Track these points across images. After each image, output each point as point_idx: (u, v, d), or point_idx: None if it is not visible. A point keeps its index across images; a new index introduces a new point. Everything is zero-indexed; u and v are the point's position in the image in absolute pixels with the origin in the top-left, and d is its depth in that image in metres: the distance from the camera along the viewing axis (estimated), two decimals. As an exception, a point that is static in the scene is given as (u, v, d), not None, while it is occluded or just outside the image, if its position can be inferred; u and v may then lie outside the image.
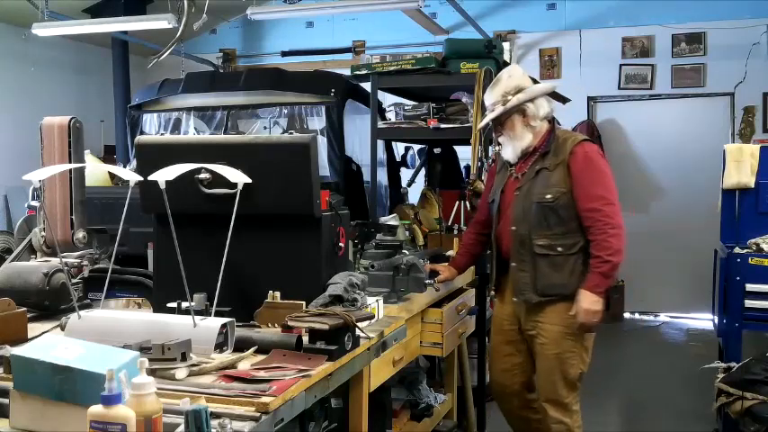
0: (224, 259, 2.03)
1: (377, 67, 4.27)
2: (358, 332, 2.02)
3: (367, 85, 4.58)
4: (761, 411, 3.31)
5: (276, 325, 2.10)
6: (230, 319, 1.94)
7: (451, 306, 3.22)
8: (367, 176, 4.93)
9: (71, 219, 2.58)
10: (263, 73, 6.00)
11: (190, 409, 1.32)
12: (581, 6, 7.90)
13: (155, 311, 2.29)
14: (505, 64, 4.31)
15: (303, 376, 1.73)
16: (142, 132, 5.58)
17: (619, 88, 7.84)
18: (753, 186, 4.02)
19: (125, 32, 7.95)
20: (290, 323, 1.96)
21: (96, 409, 1.28)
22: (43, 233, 2.64)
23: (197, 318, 1.90)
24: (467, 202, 4.38)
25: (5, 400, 1.51)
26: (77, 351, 1.47)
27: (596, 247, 2.92)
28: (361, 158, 5.26)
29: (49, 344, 1.51)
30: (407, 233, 4.03)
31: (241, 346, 1.92)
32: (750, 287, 3.77)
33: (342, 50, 8.62)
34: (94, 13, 7.87)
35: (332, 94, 5.10)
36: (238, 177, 2.10)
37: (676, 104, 7.77)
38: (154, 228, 2.37)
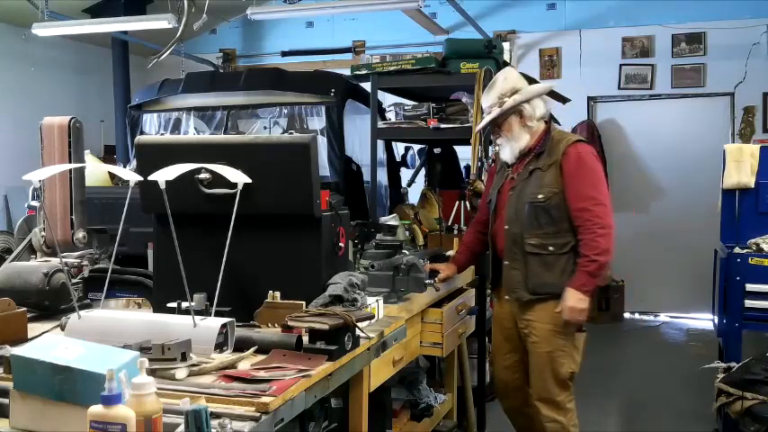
0: (224, 259, 2.03)
1: (377, 67, 4.27)
2: (358, 332, 2.02)
3: (367, 85, 4.58)
4: (761, 411, 3.31)
5: (276, 325, 2.10)
6: (230, 319, 1.94)
7: (451, 306, 3.22)
8: (367, 176, 4.93)
9: (71, 219, 2.58)
10: (263, 73, 6.00)
11: (190, 409, 1.32)
12: (581, 6, 7.90)
13: (155, 311, 2.29)
14: (505, 64, 4.31)
15: (303, 376, 1.73)
16: (142, 132, 5.58)
17: (619, 88, 7.84)
18: (753, 186, 4.02)
19: (125, 32, 7.95)
20: (290, 323, 1.96)
21: (96, 409, 1.28)
22: (43, 233, 2.64)
23: (197, 318, 1.90)
24: (467, 202, 4.39)
25: (5, 400, 1.51)
26: (77, 351, 1.47)
27: (584, 246, 2.97)
28: (361, 158, 5.26)
29: (49, 344, 1.51)
30: (407, 233, 4.03)
31: (241, 346, 1.92)
32: (750, 287, 3.77)
33: (342, 50, 8.62)
34: (94, 13, 7.87)
35: (332, 94, 5.10)
36: (238, 177, 2.10)
37: (676, 104, 7.77)
38: (154, 228, 2.37)
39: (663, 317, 7.72)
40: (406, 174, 6.06)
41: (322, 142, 4.89)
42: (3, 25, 7.63)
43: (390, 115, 4.61)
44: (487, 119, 3.15)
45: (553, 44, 8.06)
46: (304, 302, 2.14)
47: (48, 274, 2.36)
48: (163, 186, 1.95)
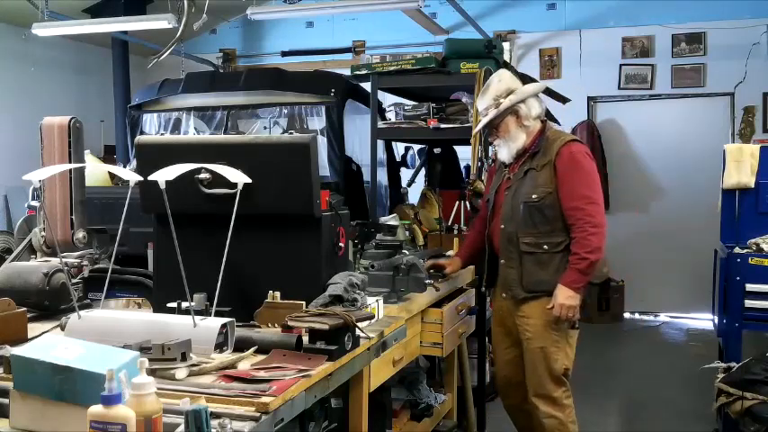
0: (224, 259, 2.03)
1: (377, 67, 4.27)
2: (358, 332, 2.02)
3: (367, 85, 4.58)
4: (761, 411, 3.31)
5: (276, 325, 2.10)
6: (230, 319, 1.94)
7: (451, 306, 3.23)
8: (367, 176, 4.92)
9: (71, 219, 2.57)
10: (263, 73, 6.00)
11: (190, 409, 1.32)
12: (581, 6, 7.90)
13: (155, 311, 2.29)
14: (506, 64, 4.32)
15: (303, 376, 1.73)
16: (142, 132, 5.58)
17: (619, 88, 7.84)
18: (753, 186, 4.02)
19: (125, 32, 7.95)
20: (290, 323, 1.96)
21: (96, 409, 1.28)
22: (43, 233, 2.64)
23: (197, 318, 1.90)
24: (467, 202, 4.39)
25: (5, 400, 1.51)
26: (77, 351, 1.47)
27: (576, 244, 3.03)
28: (361, 158, 5.26)
29: (49, 344, 1.51)
30: (407, 233, 4.03)
31: (241, 346, 1.92)
32: (750, 287, 3.77)
33: (342, 50, 8.62)
34: (94, 13, 7.87)
35: (332, 94, 5.10)
36: (238, 177, 2.10)
37: (676, 104, 7.77)
38: (154, 228, 2.37)
39: (663, 317, 7.72)
40: (406, 174, 6.06)
41: (322, 142, 4.89)
42: (3, 25, 7.63)
43: (390, 115, 4.61)
44: (484, 120, 3.20)
45: (553, 44, 8.06)
46: (304, 302, 2.14)
47: (48, 274, 2.36)
48: (163, 186, 1.95)
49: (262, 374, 1.70)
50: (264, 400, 1.56)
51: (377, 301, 2.41)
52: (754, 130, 7.44)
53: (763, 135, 7.34)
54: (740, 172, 4.02)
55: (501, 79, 3.20)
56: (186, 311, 1.99)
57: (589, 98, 7.94)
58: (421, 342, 3.05)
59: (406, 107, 4.37)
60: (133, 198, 2.12)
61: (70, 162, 2.54)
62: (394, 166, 5.85)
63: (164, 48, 5.57)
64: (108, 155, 8.08)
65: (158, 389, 1.35)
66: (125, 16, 7.16)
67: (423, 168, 5.70)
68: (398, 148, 5.91)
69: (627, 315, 7.72)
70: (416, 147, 5.72)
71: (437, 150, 5.31)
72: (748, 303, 3.78)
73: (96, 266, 2.64)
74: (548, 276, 3.08)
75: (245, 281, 2.22)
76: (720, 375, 3.60)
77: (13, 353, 1.51)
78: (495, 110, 3.13)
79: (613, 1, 7.78)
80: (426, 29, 7.61)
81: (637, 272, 7.61)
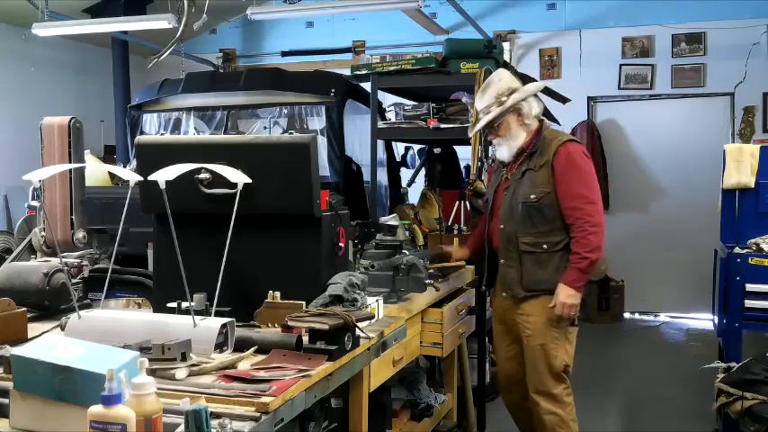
0: (224, 259, 2.03)
1: (377, 67, 4.27)
2: (358, 332, 2.02)
3: (367, 85, 4.58)
4: (761, 411, 3.31)
5: (276, 325, 2.10)
6: (230, 319, 1.94)
7: (451, 306, 3.23)
8: (367, 176, 4.92)
9: (71, 219, 2.58)
10: (263, 73, 6.00)
11: (190, 409, 1.32)
12: (581, 6, 7.90)
13: (155, 311, 2.29)
14: (505, 64, 4.31)
15: (303, 376, 1.73)
16: (142, 132, 5.58)
17: (619, 88, 7.84)
18: (753, 186, 4.02)
19: (125, 32, 7.95)
20: (290, 323, 1.96)
21: (96, 409, 1.28)
22: (43, 233, 2.64)
23: (197, 318, 1.90)
24: (467, 202, 4.39)
25: (5, 400, 1.51)
26: (77, 351, 1.47)
27: (576, 244, 3.07)
28: (361, 158, 5.26)
29: (49, 344, 1.51)
30: (407, 233, 4.03)
31: (241, 346, 1.92)
32: (750, 287, 3.77)
33: (342, 50, 8.62)
34: (94, 13, 7.87)
35: (332, 94, 5.10)
36: (238, 177, 2.10)
37: (676, 104, 7.77)
38: (154, 228, 2.37)
39: (663, 317, 7.72)
40: (406, 174, 6.06)
41: (322, 142, 4.89)
42: (3, 25, 7.62)
43: (390, 115, 4.61)
44: (487, 118, 3.19)
45: (553, 44, 8.06)
46: (304, 302, 2.14)
47: (48, 274, 2.36)
48: (163, 186, 1.95)
49: (262, 374, 1.70)
50: (264, 400, 1.56)
51: (377, 301, 2.41)
52: (754, 130, 7.44)
53: (763, 135, 7.34)
54: (740, 172, 4.02)
55: (501, 78, 3.22)
56: (186, 311, 1.99)
57: (589, 98, 7.94)
58: (421, 342, 3.06)
59: (406, 107, 4.37)
60: (133, 198, 2.12)
61: (70, 162, 2.54)
62: (394, 166, 5.85)
63: (164, 48, 5.56)
64: (108, 155, 8.08)
65: (158, 389, 1.35)
66: (125, 16, 7.16)
67: (423, 168, 5.69)
68: (398, 148, 5.91)
69: (627, 315, 7.71)
70: (416, 147, 5.72)
71: (437, 150, 5.31)
72: (748, 303, 3.78)
73: (96, 266, 2.64)
74: (547, 275, 3.11)
75: (245, 281, 2.22)
76: (720, 375, 3.60)
77: (13, 353, 1.51)
78: (498, 107, 3.14)
79: (613, 1, 7.78)
80: (426, 29, 7.61)
81: (637, 272, 7.61)
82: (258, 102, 5.40)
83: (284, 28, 8.93)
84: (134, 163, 3.08)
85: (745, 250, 3.88)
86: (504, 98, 3.14)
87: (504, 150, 3.22)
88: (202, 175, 2.22)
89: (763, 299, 3.75)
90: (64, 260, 2.32)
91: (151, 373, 1.51)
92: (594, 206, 3.09)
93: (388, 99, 5.16)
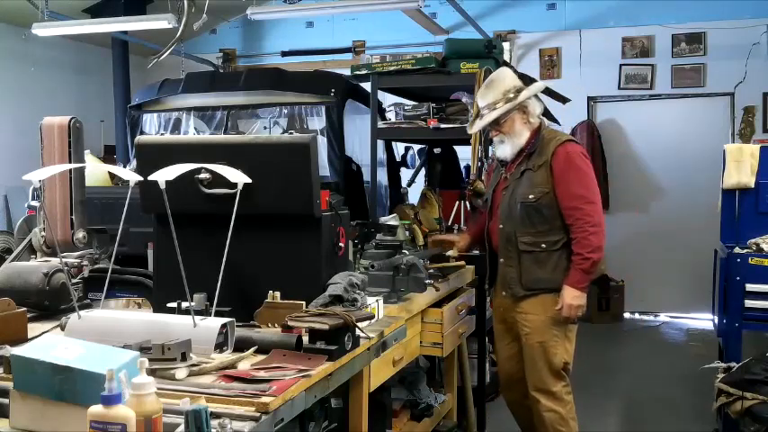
0: (224, 259, 2.03)
1: (377, 67, 4.27)
2: (358, 332, 2.02)
3: (367, 85, 4.58)
4: (761, 411, 3.31)
5: (276, 325, 2.10)
6: (230, 319, 1.94)
7: (451, 306, 3.23)
8: (367, 176, 4.92)
9: (71, 219, 2.58)
10: (263, 73, 6.00)
11: (190, 409, 1.32)
12: (581, 6, 7.90)
13: (155, 311, 2.29)
14: (505, 64, 4.31)
15: (303, 376, 1.73)
16: (142, 132, 5.58)
17: (619, 88, 7.84)
18: (753, 186, 4.02)
19: (125, 32, 7.95)
20: (290, 323, 1.96)
21: (96, 409, 1.28)
22: (43, 233, 2.64)
23: (197, 318, 1.90)
24: (467, 202, 4.39)
25: (5, 400, 1.51)
26: (77, 351, 1.47)
27: (577, 244, 3.09)
28: (361, 158, 5.26)
29: (49, 344, 1.51)
30: (407, 233, 4.03)
31: (241, 346, 1.92)
32: (750, 287, 3.77)
33: (342, 50, 8.62)
34: (94, 13, 7.87)
35: (332, 94, 5.10)
36: (238, 177, 2.10)
37: (676, 104, 7.76)
38: (154, 228, 2.37)
39: (663, 317, 7.72)
40: (406, 174, 6.06)
41: (322, 142, 4.89)
42: (3, 25, 7.62)
43: (390, 115, 4.61)
44: (495, 113, 3.17)
45: (553, 44, 8.06)
46: (304, 302, 2.14)
47: (48, 274, 2.36)
48: (163, 186, 1.95)
49: (262, 374, 1.70)
50: (264, 400, 1.56)
51: (377, 301, 2.41)
52: (754, 130, 7.43)
53: (763, 135, 7.34)
54: (740, 172, 4.02)
55: (507, 76, 3.23)
56: (186, 311, 1.99)
57: (589, 98, 7.94)
58: (421, 342, 3.06)
59: (406, 107, 4.38)
60: (133, 198, 2.12)
61: (70, 162, 2.54)
62: (394, 166, 5.85)
63: (164, 48, 5.56)
64: (108, 155, 8.08)
65: (158, 389, 1.35)
66: (125, 16, 7.15)
67: (423, 168, 5.70)
68: (398, 148, 5.91)
69: (627, 315, 7.71)
70: (416, 147, 5.72)
71: (437, 150, 5.31)
72: (748, 303, 3.78)
73: (96, 266, 2.64)
74: (546, 274, 3.14)
75: (245, 281, 2.22)
76: (720, 375, 3.60)
77: (13, 353, 1.51)
78: (505, 104, 3.14)
79: (613, 1, 7.78)
80: (426, 29, 7.61)
81: (637, 272, 7.60)
82: (258, 102, 5.40)
83: (284, 28, 8.93)
84: (134, 163, 3.08)
85: (745, 250, 3.88)
86: (512, 95, 3.15)
87: (506, 148, 3.21)
88: (202, 175, 2.22)
89: (763, 299, 3.75)
90: (64, 260, 2.32)
91: (151, 373, 1.51)
92: (594, 206, 3.11)
93: (388, 99, 5.16)
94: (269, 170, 2.20)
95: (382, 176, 5.43)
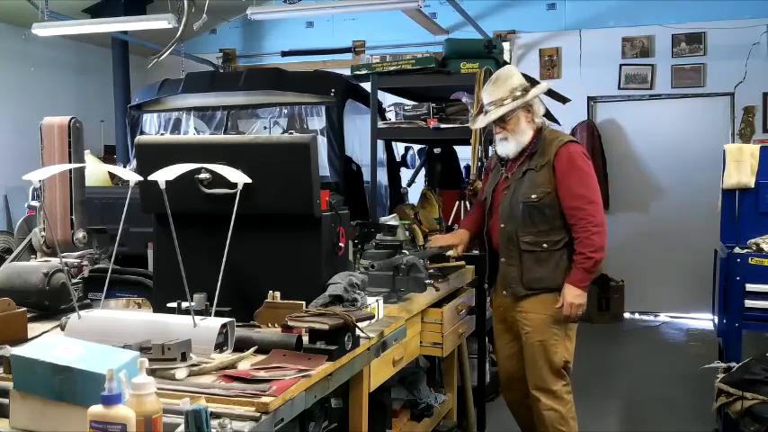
0: (224, 259, 2.03)
1: (377, 67, 4.27)
2: (358, 332, 2.02)
3: (367, 85, 4.58)
4: (761, 411, 3.31)
5: (276, 325, 2.10)
6: (230, 319, 1.94)
7: (451, 306, 3.23)
8: (367, 176, 4.92)
9: (71, 219, 2.58)
10: (263, 73, 6.00)
11: (190, 409, 1.32)
12: (581, 6, 7.90)
13: (155, 311, 2.29)
14: (505, 64, 4.31)
15: (303, 376, 1.73)
16: (142, 132, 5.58)
17: (619, 88, 7.83)
18: (753, 186, 4.02)
19: (125, 32, 7.95)
20: (290, 323, 1.96)
21: (96, 409, 1.28)
22: (43, 233, 2.64)
23: (197, 318, 1.90)
24: (467, 202, 4.39)
25: (5, 400, 1.51)
26: (77, 351, 1.47)
27: (579, 244, 3.10)
28: (361, 158, 5.26)
29: (49, 344, 1.51)
30: (407, 233, 4.03)
31: (241, 346, 1.92)
32: (750, 287, 3.77)
33: (342, 50, 8.62)
34: (94, 13, 7.87)
35: (332, 94, 5.10)
36: (238, 177, 2.10)
37: (676, 104, 7.76)
38: (154, 228, 2.37)
39: (663, 317, 7.72)
40: (406, 174, 6.06)
41: (322, 142, 4.89)
42: (3, 25, 7.62)
43: (390, 115, 4.61)
44: (502, 110, 3.16)
45: (553, 44, 8.06)
46: (304, 302, 2.14)
47: (48, 274, 2.36)
48: (163, 186, 1.95)
49: (262, 374, 1.70)
50: (264, 400, 1.56)
51: (377, 301, 2.40)
52: (754, 130, 7.43)
53: (763, 135, 7.34)
54: (740, 172, 4.02)
55: (513, 74, 3.23)
56: (186, 311, 1.99)
57: (589, 98, 7.94)
58: (421, 342, 3.06)
59: (406, 107, 4.38)
60: (133, 198, 2.12)
61: (70, 162, 2.54)
62: (394, 166, 5.85)
63: (164, 48, 5.56)
64: (108, 155, 8.08)
65: (158, 389, 1.35)
66: (125, 16, 7.15)
67: (423, 168, 5.70)
68: (398, 148, 5.91)
69: (627, 315, 7.71)
70: (416, 147, 5.72)
71: (437, 150, 5.31)
72: (748, 303, 3.78)
73: (96, 266, 2.64)
74: (547, 274, 3.15)
75: (245, 281, 2.22)
76: (720, 375, 3.60)
77: (13, 353, 1.51)
78: (513, 101, 3.14)
79: (613, 1, 7.78)
80: (426, 29, 7.61)
81: (637, 272, 7.61)
82: (258, 102, 5.40)
83: (284, 28, 8.93)
84: (134, 163, 3.08)
85: (745, 250, 3.88)
86: (519, 93, 3.15)
87: (510, 146, 3.21)
88: (202, 175, 2.22)
89: (763, 299, 3.75)
90: (64, 260, 2.32)
91: (151, 373, 1.51)
92: (596, 206, 3.13)
93: (388, 99, 5.16)
94: (269, 170, 2.20)
95: (382, 176, 5.43)
